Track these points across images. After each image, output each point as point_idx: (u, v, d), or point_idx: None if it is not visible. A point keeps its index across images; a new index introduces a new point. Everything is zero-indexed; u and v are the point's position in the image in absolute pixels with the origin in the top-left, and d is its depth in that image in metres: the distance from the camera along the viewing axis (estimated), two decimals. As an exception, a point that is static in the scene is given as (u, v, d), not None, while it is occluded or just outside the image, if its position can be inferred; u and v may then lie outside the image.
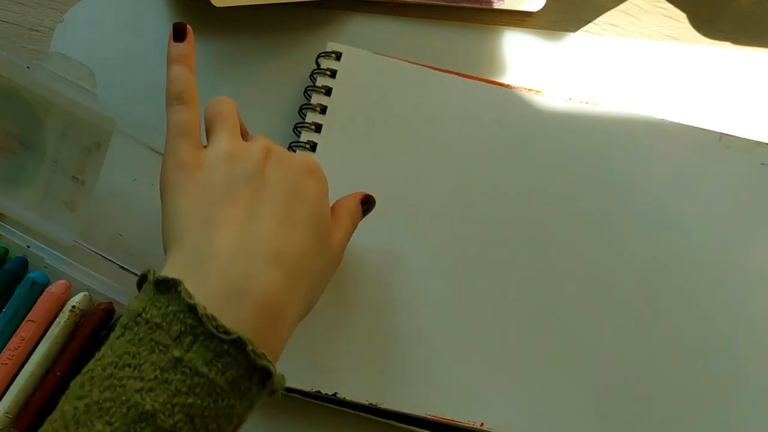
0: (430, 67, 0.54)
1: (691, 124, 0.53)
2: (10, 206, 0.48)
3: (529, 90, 0.53)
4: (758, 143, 0.53)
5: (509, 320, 0.48)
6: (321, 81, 0.53)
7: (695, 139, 0.53)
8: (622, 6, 0.60)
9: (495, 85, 0.54)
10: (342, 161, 0.51)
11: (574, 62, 0.57)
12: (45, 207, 0.48)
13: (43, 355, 0.46)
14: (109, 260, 0.47)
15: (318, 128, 0.52)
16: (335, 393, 0.46)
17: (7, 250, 0.49)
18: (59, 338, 0.46)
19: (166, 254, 0.37)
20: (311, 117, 0.52)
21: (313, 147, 0.51)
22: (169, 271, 0.35)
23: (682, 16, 0.60)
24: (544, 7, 0.57)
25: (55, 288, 0.48)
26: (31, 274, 0.48)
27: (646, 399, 0.47)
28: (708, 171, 0.52)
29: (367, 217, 0.46)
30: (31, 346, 0.46)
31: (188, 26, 0.42)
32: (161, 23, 0.56)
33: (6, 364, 0.46)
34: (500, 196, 0.51)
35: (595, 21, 0.59)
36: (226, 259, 0.35)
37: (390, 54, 0.54)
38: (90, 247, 0.47)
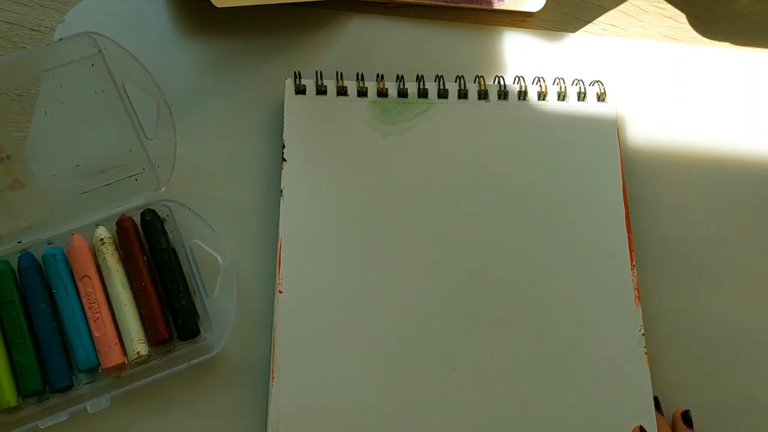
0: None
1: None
2: None
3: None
4: None
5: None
6: None
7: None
8: (621, 6, 0.60)
9: None
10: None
11: (574, 62, 0.57)
12: None
13: (120, 285, 0.47)
14: (84, 193, 0.48)
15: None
16: None
17: (7, 262, 0.48)
18: (117, 266, 0.47)
19: None
20: None
21: None
22: None
23: (681, 17, 0.60)
24: (543, 7, 0.57)
25: (74, 242, 0.48)
26: (46, 251, 0.47)
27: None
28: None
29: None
30: (103, 291, 0.47)
31: None
32: (162, 23, 0.56)
33: (99, 316, 0.47)
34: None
35: (595, 21, 0.59)
36: None
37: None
38: (69, 194, 0.48)
